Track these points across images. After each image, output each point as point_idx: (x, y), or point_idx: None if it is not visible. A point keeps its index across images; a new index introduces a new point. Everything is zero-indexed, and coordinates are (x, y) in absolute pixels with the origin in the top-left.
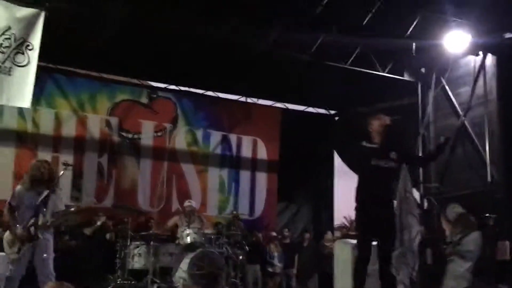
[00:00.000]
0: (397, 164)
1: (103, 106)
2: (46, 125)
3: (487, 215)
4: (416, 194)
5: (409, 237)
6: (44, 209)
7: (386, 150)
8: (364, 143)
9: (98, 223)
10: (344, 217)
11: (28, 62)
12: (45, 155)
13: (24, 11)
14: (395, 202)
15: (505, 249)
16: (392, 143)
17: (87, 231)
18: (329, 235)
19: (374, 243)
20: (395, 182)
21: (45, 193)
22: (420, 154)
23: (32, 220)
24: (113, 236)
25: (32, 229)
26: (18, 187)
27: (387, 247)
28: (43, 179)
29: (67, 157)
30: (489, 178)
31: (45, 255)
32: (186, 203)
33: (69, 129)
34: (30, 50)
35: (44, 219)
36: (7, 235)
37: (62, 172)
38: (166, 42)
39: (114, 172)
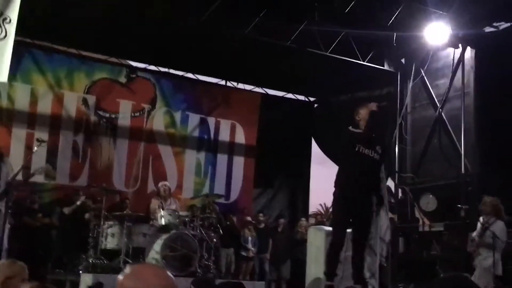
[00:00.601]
0: (380, 158)
1: (81, 83)
2: (22, 101)
3: (459, 206)
4: (391, 184)
5: (378, 226)
6: None
7: (372, 140)
8: (350, 128)
9: (78, 202)
10: (320, 204)
11: (5, 36)
12: (19, 131)
13: None
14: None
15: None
16: (377, 131)
17: (66, 210)
18: (303, 221)
19: (349, 230)
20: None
21: None
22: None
23: None
24: (92, 216)
25: None
26: None
27: (362, 235)
28: None
29: (42, 134)
30: (463, 170)
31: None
32: (161, 184)
33: (45, 106)
34: (7, 23)
35: (1, 191)
36: None
37: (35, 148)
38: (147, 23)
39: (89, 151)
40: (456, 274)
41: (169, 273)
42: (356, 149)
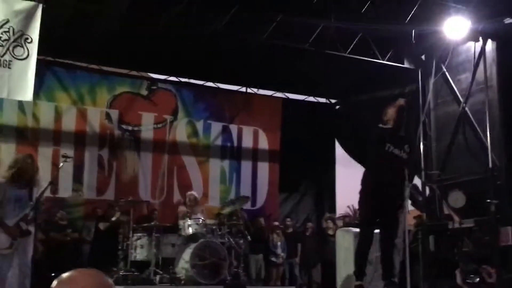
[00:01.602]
0: (408, 157)
1: (103, 98)
2: (46, 119)
3: (488, 201)
4: (418, 182)
5: (405, 225)
6: (31, 203)
7: (401, 139)
8: (380, 125)
9: (113, 218)
10: (347, 206)
11: (28, 55)
12: (45, 149)
13: (22, 4)
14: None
15: (507, 234)
16: (406, 129)
17: (102, 226)
18: (329, 222)
19: (377, 231)
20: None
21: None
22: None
23: (22, 214)
24: (126, 231)
25: (22, 223)
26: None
27: (389, 235)
28: (27, 174)
29: (68, 150)
30: (490, 164)
31: (30, 244)
32: (188, 193)
33: (69, 122)
34: (29, 43)
35: (32, 213)
36: None
37: (61, 164)
38: (165, 34)
39: (114, 164)
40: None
41: (104, 276)
42: (386, 148)
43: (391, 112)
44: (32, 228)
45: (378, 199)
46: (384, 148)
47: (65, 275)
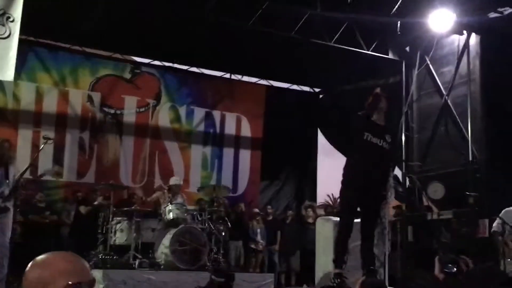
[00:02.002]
0: (390, 147)
1: (86, 80)
2: (27, 100)
3: (467, 193)
4: (398, 172)
5: (384, 214)
6: (7, 181)
7: (381, 129)
8: (359, 113)
9: (95, 203)
10: (328, 195)
11: (10, 34)
12: (26, 131)
13: None
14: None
15: (484, 227)
16: (387, 125)
17: (83, 209)
18: (309, 211)
19: (357, 220)
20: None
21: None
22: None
23: None
24: (107, 215)
25: None
26: None
27: (370, 225)
28: (2, 157)
29: (49, 132)
30: (470, 157)
31: (8, 223)
32: (174, 181)
33: (51, 104)
34: (11, 22)
35: (10, 190)
36: None
37: (42, 145)
38: (150, 18)
39: (96, 147)
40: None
41: (79, 258)
42: (365, 137)
43: (369, 100)
44: (10, 205)
45: (359, 188)
46: (362, 137)
47: (39, 257)
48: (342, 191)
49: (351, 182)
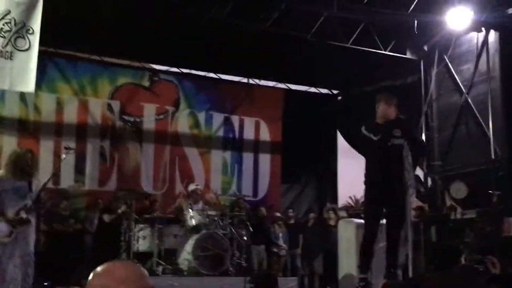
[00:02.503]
0: (403, 140)
1: (105, 89)
2: (48, 110)
3: (490, 192)
4: (420, 172)
5: (409, 213)
6: (31, 193)
7: (388, 128)
8: (364, 126)
9: (119, 211)
10: (349, 197)
11: (30, 47)
12: (47, 141)
13: None
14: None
15: (509, 225)
16: (396, 122)
17: (107, 218)
18: (331, 213)
19: (383, 221)
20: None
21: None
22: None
23: (22, 204)
24: (131, 223)
25: (22, 212)
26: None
27: (396, 226)
28: (26, 168)
29: (69, 142)
30: (492, 155)
31: (31, 234)
32: (193, 186)
33: (71, 114)
34: (30, 34)
35: (32, 203)
36: None
37: (64, 156)
38: (167, 24)
39: (116, 155)
40: (467, 264)
41: (139, 267)
42: (375, 139)
43: (378, 105)
44: (32, 218)
45: (380, 190)
46: (373, 143)
47: (100, 267)
48: (365, 194)
49: (371, 184)
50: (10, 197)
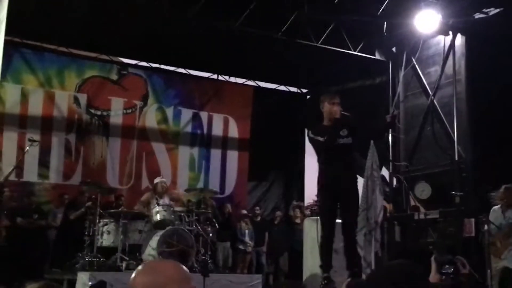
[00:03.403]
0: (351, 139)
1: (72, 82)
2: (12, 101)
3: (453, 193)
4: (386, 172)
5: (374, 214)
6: None
7: (334, 128)
8: (311, 131)
9: (83, 209)
10: (316, 196)
11: None
12: (11, 133)
13: None
14: (360, 178)
15: (470, 226)
16: (342, 121)
17: (72, 215)
18: (297, 211)
19: (339, 221)
20: (361, 158)
21: None
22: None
23: None
24: (95, 218)
25: None
26: None
27: (350, 226)
28: None
29: (34, 134)
30: (456, 157)
31: None
32: (158, 180)
33: (36, 106)
34: None
35: None
36: None
37: (27, 148)
38: (136, 19)
39: (82, 149)
40: (401, 260)
41: (183, 266)
42: (322, 140)
43: (327, 109)
44: None
45: (331, 190)
46: (319, 141)
47: (147, 264)
48: (318, 195)
49: (322, 185)
50: None
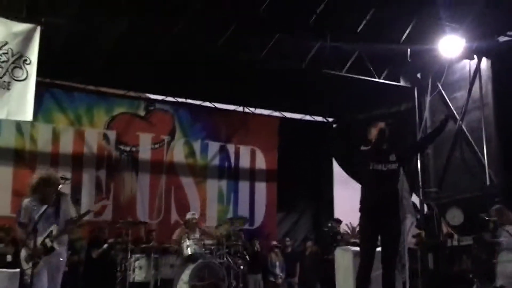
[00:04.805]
0: (397, 164)
1: (101, 119)
2: (44, 141)
3: (487, 218)
4: (416, 199)
5: (404, 241)
6: (57, 219)
7: (384, 153)
8: (362, 147)
9: (105, 246)
10: (346, 224)
11: (27, 77)
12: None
13: (21, 26)
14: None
15: None
16: (390, 146)
17: (94, 254)
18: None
19: (378, 249)
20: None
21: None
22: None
23: (47, 232)
24: (115, 254)
25: (47, 241)
26: (25, 202)
27: (391, 253)
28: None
29: (65, 172)
30: (487, 182)
31: (59, 268)
32: (190, 215)
33: (67, 144)
34: (27, 64)
35: (60, 229)
36: (22, 252)
37: (60, 186)
38: (162, 55)
39: (112, 185)
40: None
41: None
42: (370, 167)
43: (373, 131)
44: (57, 246)
45: (374, 217)
46: (368, 167)
47: None
48: (359, 221)
49: (365, 211)
50: (37, 225)
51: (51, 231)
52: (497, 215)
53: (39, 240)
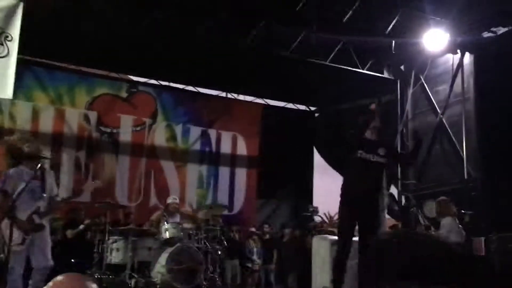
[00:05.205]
0: (385, 159)
1: (82, 99)
2: (23, 119)
3: (463, 211)
4: (394, 191)
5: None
6: (44, 194)
7: (374, 145)
8: (351, 131)
9: (81, 227)
10: (324, 213)
11: (8, 53)
12: None
13: (3, 2)
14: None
15: (480, 245)
16: (381, 139)
17: (69, 233)
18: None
19: (355, 238)
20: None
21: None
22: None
23: (34, 207)
24: (93, 235)
25: (35, 216)
26: (11, 170)
27: (367, 241)
28: (28, 155)
29: (44, 151)
30: (465, 175)
31: (47, 242)
32: (171, 199)
33: (47, 123)
34: (9, 41)
35: (46, 206)
36: (5, 224)
37: (39, 165)
38: (146, 36)
39: (91, 166)
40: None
41: (89, 282)
42: (358, 155)
43: (362, 118)
44: (46, 223)
45: (355, 206)
46: (355, 155)
47: (51, 282)
48: (339, 209)
49: (347, 199)
50: (23, 197)
51: (39, 207)
52: (439, 207)
53: (25, 215)
